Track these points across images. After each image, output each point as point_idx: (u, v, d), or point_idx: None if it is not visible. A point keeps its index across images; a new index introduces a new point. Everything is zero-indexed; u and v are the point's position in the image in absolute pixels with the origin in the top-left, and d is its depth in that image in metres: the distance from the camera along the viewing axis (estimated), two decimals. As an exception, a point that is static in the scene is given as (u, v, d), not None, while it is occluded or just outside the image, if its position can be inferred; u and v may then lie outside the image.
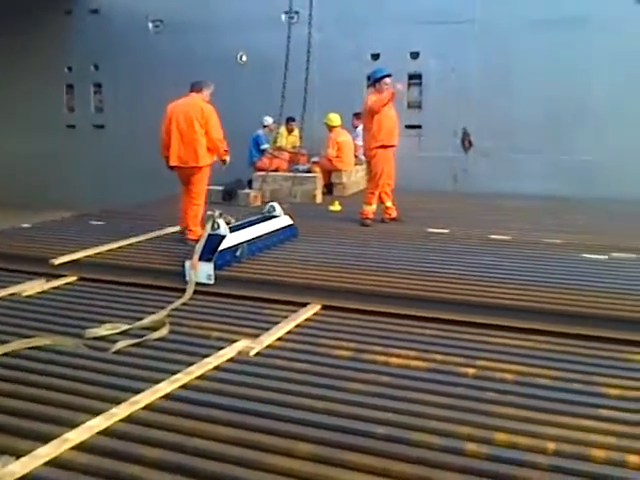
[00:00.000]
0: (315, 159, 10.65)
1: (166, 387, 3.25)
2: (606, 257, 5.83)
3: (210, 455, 2.68)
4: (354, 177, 10.73)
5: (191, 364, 3.57)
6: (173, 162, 6.46)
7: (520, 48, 10.07)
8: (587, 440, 2.83)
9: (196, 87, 6.54)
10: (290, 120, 10.67)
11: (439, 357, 3.83)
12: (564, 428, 2.94)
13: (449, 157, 10.99)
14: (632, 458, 2.66)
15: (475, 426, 2.97)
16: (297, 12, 8.72)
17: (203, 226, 5.80)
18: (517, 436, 2.87)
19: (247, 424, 2.94)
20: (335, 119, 10.47)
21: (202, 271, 5.15)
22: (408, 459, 2.69)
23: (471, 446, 2.79)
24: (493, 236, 6.85)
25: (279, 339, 4.09)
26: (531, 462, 2.67)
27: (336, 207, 9.10)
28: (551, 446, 2.78)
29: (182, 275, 5.25)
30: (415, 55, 11.10)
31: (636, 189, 9.04)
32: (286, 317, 4.47)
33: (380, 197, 7.85)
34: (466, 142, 11.05)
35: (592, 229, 7.31)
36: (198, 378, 3.43)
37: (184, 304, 4.81)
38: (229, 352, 3.73)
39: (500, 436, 2.88)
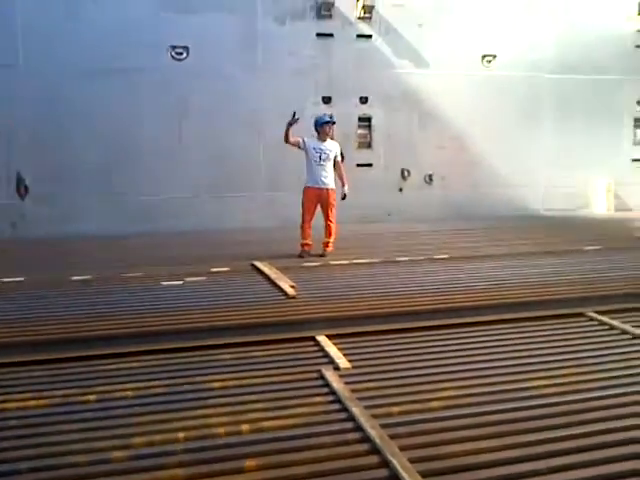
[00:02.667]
0: None
1: None
2: (181, 282, 6.72)
3: None
4: None
5: None
6: None
7: (74, 94, 10.39)
8: (208, 423, 3.47)
9: None
10: None
11: (58, 392, 3.98)
12: (187, 420, 3.52)
13: (4, 204, 10.57)
14: (244, 427, 3.41)
15: (113, 437, 3.31)
16: None
17: None
18: (151, 435, 3.33)
19: None
20: None
21: None
22: (61, 480, 2.90)
23: (116, 454, 3.14)
24: (74, 277, 7.03)
25: None
26: (169, 451, 3.17)
27: None
28: (181, 435, 3.33)
29: None
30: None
31: (191, 221, 10.42)
32: None
33: None
34: (21, 188, 10.81)
35: (162, 260, 8.12)
36: None
37: None
38: None
39: (137, 440, 3.30)
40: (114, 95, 10.52)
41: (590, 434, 3.23)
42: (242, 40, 10.94)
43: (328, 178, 8.28)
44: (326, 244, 8.39)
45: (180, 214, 10.66)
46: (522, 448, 3.09)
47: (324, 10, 11.10)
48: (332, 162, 8.30)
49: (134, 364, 4.52)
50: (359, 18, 11.35)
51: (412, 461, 2.91)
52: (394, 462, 2.88)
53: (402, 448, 3.04)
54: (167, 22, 10.56)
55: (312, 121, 9.65)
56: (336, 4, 11.16)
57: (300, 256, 8.23)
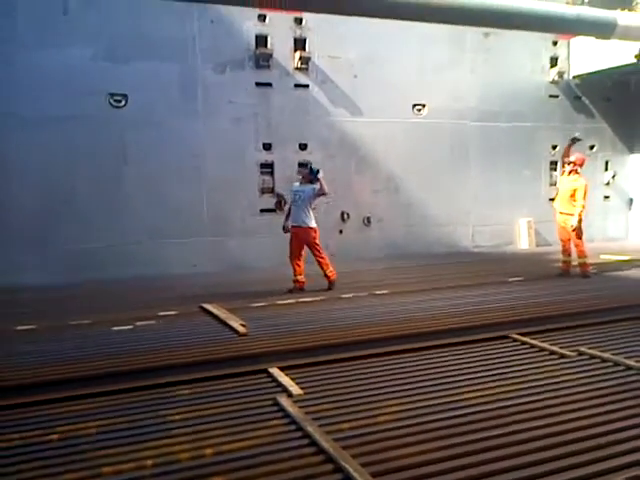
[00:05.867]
0: None
1: None
2: (132, 327, 6.91)
3: None
4: None
5: None
6: None
7: (9, 144, 10.32)
8: (173, 450, 3.72)
9: None
10: None
11: (16, 435, 4.11)
12: (153, 449, 3.75)
13: None
14: (207, 451, 3.68)
15: (81, 469, 3.53)
16: None
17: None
18: (120, 465, 3.57)
19: None
20: None
21: None
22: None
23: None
24: (19, 327, 7.05)
25: None
26: (139, 476, 3.42)
27: None
28: (149, 462, 3.58)
29: None
30: None
31: (135, 268, 10.58)
32: None
33: None
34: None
35: (109, 308, 8.18)
36: None
37: None
38: None
39: (106, 469, 3.53)
40: (51, 144, 10.48)
41: (513, 433, 3.72)
42: (182, 88, 11.25)
43: (304, 217, 8.82)
44: (327, 277, 8.99)
45: (124, 262, 10.70)
46: (455, 447, 3.53)
47: (262, 61, 11.65)
48: (310, 202, 8.86)
49: (92, 405, 4.66)
50: (296, 69, 11.96)
51: (363, 465, 3.27)
52: (347, 467, 3.23)
53: (354, 456, 3.40)
54: (105, 70, 10.69)
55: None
56: (274, 55, 11.74)
57: (290, 291, 8.79)
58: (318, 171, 8.90)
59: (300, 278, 8.91)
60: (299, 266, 8.90)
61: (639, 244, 13.53)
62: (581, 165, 9.53)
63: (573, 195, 9.36)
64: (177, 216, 11.24)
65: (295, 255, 8.91)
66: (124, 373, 5.29)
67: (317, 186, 8.88)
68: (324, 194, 9.02)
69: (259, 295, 8.58)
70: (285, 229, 9.01)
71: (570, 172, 9.49)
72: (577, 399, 4.34)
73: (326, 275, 9.00)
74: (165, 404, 4.60)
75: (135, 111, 10.94)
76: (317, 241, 8.92)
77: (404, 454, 3.45)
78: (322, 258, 8.95)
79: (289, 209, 9.09)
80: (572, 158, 9.52)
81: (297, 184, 9.12)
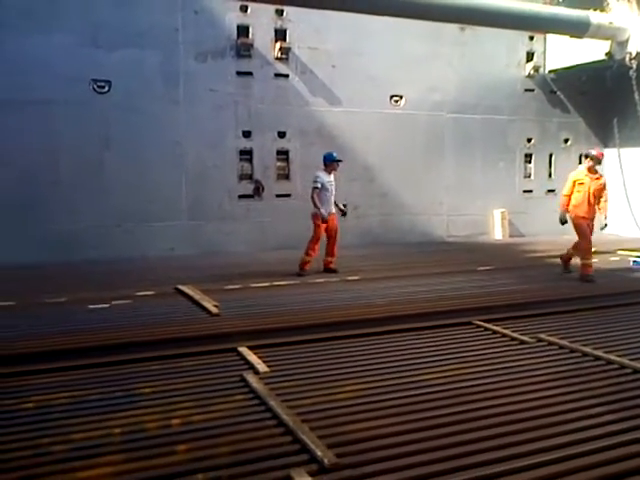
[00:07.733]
0: None
1: None
2: (108, 305, 7.07)
3: None
4: None
5: None
6: None
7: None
8: (141, 420, 3.90)
9: None
10: None
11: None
12: (122, 419, 3.93)
13: None
14: (174, 421, 3.88)
15: (53, 435, 3.70)
16: None
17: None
18: (89, 432, 3.75)
19: None
20: None
21: None
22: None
23: (57, 447, 3.54)
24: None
25: None
26: (107, 442, 3.59)
27: None
28: (117, 430, 3.76)
29: None
30: None
31: (113, 250, 10.72)
32: None
33: None
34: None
35: (86, 287, 8.29)
36: None
37: None
38: None
39: (76, 436, 3.71)
40: (35, 128, 10.51)
41: (467, 411, 3.95)
42: (164, 76, 11.35)
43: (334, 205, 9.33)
44: (331, 263, 9.41)
45: (103, 244, 10.82)
46: (409, 423, 3.76)
47: (243, 50, 11.76)
48: None
49: (65, 377, 4.82)
50: (276, 59, 12.08)
51: (320, 437, 3.48)
52: (305, 438, 3.44)
53: (312, 429, 3.61)
54: (89, 56, 10.77)
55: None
56: (255, 45, 11.85)
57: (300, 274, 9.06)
58: (331, 159, 9.28)
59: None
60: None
61: (610, 237, 13.78)
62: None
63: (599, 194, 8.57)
64: (157, 200, 11.36)
65: (320, 240, 9.25)
66: (97, 348, 5.45)
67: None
68: None
69: (234, 278, 8.75)
70: (325, 219, 9.11)
71: (590, 169, 8.55)
72: (531, 382, 4.55)
73: (331, 261, 9.39)
74: (136, 378, 4.78)
75: (118, 97, 11.02)
76: None
77: (359, 428, 3.65)
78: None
79: (318, 199, 9.05)
80: (593, 152, 8.66)
81: (323, 175, 9.19)
